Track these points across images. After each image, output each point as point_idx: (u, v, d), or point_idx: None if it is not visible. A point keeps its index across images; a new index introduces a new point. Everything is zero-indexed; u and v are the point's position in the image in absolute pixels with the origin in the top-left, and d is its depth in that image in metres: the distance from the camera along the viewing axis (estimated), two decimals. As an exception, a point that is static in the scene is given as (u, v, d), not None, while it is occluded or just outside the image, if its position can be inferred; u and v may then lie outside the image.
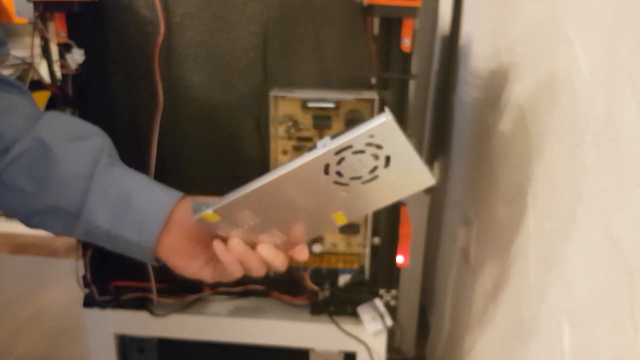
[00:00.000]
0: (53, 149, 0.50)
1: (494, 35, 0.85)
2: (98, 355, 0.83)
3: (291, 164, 0.43)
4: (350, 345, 0.78)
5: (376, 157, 0.42)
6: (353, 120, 0.65)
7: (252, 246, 0.51)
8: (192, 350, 0.83)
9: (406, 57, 0.66)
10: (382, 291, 0.77)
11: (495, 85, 0.80)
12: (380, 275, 0.77)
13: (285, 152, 0.69)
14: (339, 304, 0.78)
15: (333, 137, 0.41)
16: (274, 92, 0.67)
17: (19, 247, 1.88)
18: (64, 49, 0.67)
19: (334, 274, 0.76)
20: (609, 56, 0.45)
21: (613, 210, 0.43)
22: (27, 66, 0.72)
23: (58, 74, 0.70)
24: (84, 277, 0.78)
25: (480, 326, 0.81)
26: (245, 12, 0.67)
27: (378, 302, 0.77)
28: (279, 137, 0.69)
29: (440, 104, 1.15)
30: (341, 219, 0.49)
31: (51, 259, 1.83)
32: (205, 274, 0.54)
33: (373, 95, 0.65)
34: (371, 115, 0.65)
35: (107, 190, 0.51)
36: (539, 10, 0.64)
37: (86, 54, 0.68)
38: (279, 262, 0.51)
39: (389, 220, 0.74)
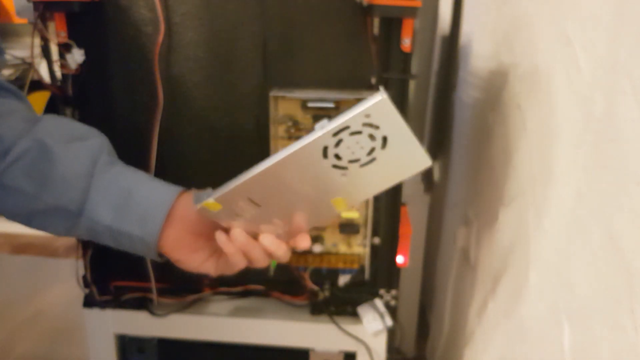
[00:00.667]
0: (53, 150, 0.50)
1: (494, 35, 0.85)
2: (98, 355, 0.83)
3: (290, 148, 0.43)
4: (350, 345, 0.78)
5: (373, 137, 0.42)
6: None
7: (254, 237, 0.51)
8: (192, 350, 0.83)
9: (406, 57, 0.66)
10: (382, 291, 0.77)
11: (495, 85, 0.80)
12: (380, 275, 0.77)
13: (285, 152, 0.69)
14: (339, 304, 0.78)
15: (330, 119, 0.41)
16: (274, 92, 0.67)
17: (19, 247, 1.88)
18: (64, 49, 0.67)
19: (334, 274, 0.76)
20: (609, 56, 0.45)
21: (613, 210, 0.43)
22: (27, 66, 0.72)
23: (58, 74, 0.70)
24: (84, 277, 0.78)
25: (480, 326, 0.81)
26: (245, 12, 0.67)
27: (378, 302, 0.77)
28: (279, 137, 0.69)
29: (440, 104, 1.15)
30: (342, 206, 0.49)
31: (51, 259, 1.82)
32: (209, 267, 0.54)
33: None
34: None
35: (108, 187, 0.52)
36: (539, 10, 0.64)
37: (86, 54, 0.68)
38: (282, 252, 0.52)
39: (389, 220, 0.74)
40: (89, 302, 0.80)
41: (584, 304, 0.48)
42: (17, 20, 0.69)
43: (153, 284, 0.76)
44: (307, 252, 0.74)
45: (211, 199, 0.47)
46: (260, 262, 0.52)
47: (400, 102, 0.68)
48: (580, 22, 0.51)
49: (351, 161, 0.44)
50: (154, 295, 0.77)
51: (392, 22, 0.65)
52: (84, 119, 0.71)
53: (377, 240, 0.74)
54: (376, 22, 0.66)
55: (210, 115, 0.71)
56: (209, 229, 0.52)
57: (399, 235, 0.75)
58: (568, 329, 0.50)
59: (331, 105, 0.66)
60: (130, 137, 0.71)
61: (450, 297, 1.05)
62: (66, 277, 1.63)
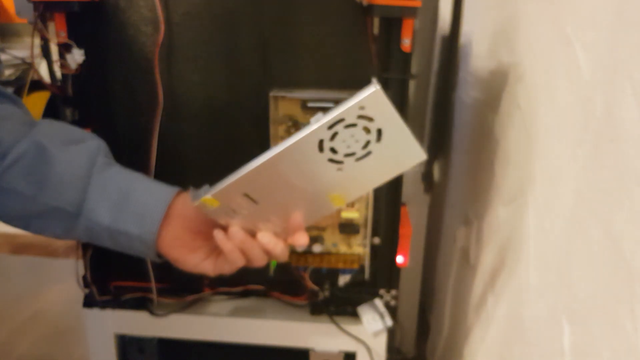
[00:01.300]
0: (50, 152, 0.51)
1: (494, 35, 0.85)
2: (98, 355, 0.83)
3: (286, 142, 0.43)
4: (350, 345, 0.78)
5: (368, 130, 0.43)
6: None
7: (252, 235, 0.51)
8: (192, 350, 0.83)
9: (406, 57, 0.66)
10: (382, 291, 0.77)
11: (495, 85, 0.80)
12: (380, 275, 0.77)
13: (285, 152, 0.69)
14: (339, 304, 0.78)
15: (325, 113, 0.42)
16: (274, 92, 0.67)
17: (19, 247, 1.88)
18: (64, 49, 0.67)
19: (334, 274, 0.76)
20: (609, 56, 0.45)
21: (613, 210, 0.43)
22: (27, 66, 0.72)
23: (58, 74, 0.70)
24: (84, 277, 0.78)
25: (480, 326, 0.81)
26: (245, 12, 0.67)
27: (378, 302, 0.77)
28: (279, 137, 0.69)
29: (440, 104, 1.15)
30: (339, 201, 0.49)
31: (51, 259, 1.83)
32: (207, 267, 0.54)
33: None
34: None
35: (106, 187, 0.52)
36: (539, 10, 0.64)
37: (86, 54, 0.68)
38: (279, 250, 0.52)
39: (389, 220, 0.74)
40: (89, 302, 0.80)
41: (584, 304, 0.48)
42: (17, 20, 0.69)
43: (153, 284, 0.76)
44: (307, 252, 0.74)
45: (209, 195, 0.47)
46: (259, 260, 0.52)
47: (400, 102, 0.68)
48: (580, 22, 0.51)
49: (347, 155, 0.44)
50: (154, 295, 0.77)
51: (392, 22, 0.65)
52: (84, 119, 0.71)
53: (377, 240, 0.74)
54: (376, 22, 0.66)
55: (210, 116, 0.71)
56: (207, 228, 0.52)
57: (399, 235, 0.75)
58: (568, 329, 0.50)
59: (331, 105, 0.66)
60: (130, 137, 0.71)
61: (450, 297, 1.05)
62: (66, 277, 1.63)
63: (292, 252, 0.73)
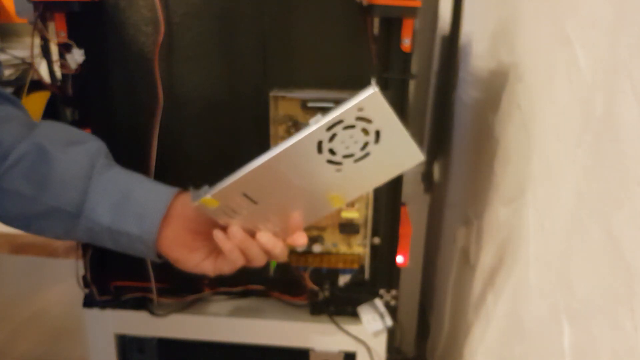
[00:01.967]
0: (51, 153, 0.51)
1: (494, 35, 0.85)
2: (98, 355, 0.83)
3: (285, 143, 0.43)
4: (350, 345, 0.78)
5: (366, 132, 0.43)
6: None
7: (252, 235, 0.51)
8: (192, 350, 0.83)
9: (406, 57, 0.66)
10: (382, 291, 0.77)
11: (495, 85, 0.80)
12: (380, 275, 0.77)
13: (285, 152, 0.69)
14: (339, 304, 0.78)
15: (324, 114, 0.42)
16: (274, 92, 0.67)
17: (19, 247, 1.88)
18: (64, 49, 0.67)
19: (334, 274, 0.76)
20: (609, 56, 0.45)
21: (613, 210, 0.43)
22: (27, 66, 0.72)
23: (58, 74, 0.70)
24: (84, 277, 0.78)
25: (480, 326, 0.81)
26: (245, 12, 0.67)
27: (378, 302, 0.77)
28: (279, 137, 0.69)
29: (440, 104, 1.15)
30: (337, 202, 0.49)
31: (51, 259, 1.82)
32: (207, 267, 0.54)
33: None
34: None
35: (106, 188, 0.52)
36: (539, 10, 0.64)
37: (86, 54, 0.68)
38: (279, 250, 0.52)
39: (389, 220, 0.74)
40: (89, 302, 0.80)
41: (584, 304, 0.48)
42: (17, 20, 0.69)
43: (153, 284, 0.76)
44: (307, 252, 0.74)
45: (208, 196, 0.47)
46: (258, 260, 0.52)
47: (400, 102, 0.68)
48: (580, 22, 0.51)
49: (345, 156, 0.44)
50: (154, 295, 0.77)
51: (392, 22, 0.65)
52: (84, 119, 0.71)
53: (377, 240, 0.74)
54: (376, 22, 0.66)
55: (210, 116, 0.71)
56: (207, 228, 0.52)
57: (399, 235, 0.75)
58: (568, 329, 0.50)
59: (331, 105, 0.66)
60: (130, 137, 0.71)
61: (450, 297, 1.05)
62: (66, 277, 1.63)
63: (292, 252, 0.73)
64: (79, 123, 0.71)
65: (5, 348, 1.39)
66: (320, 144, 0.43)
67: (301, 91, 0.67)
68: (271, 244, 0.51)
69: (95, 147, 0.54)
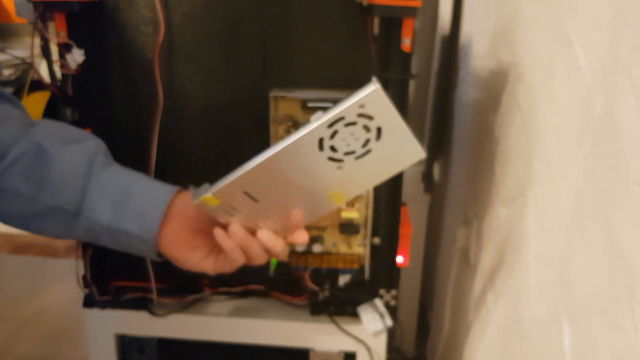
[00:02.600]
0: (49, 151, 0.51)
1: (494, 35, 0.85)
2: (98, 355, 0.83)
3: (286, 140, 0.43)
4: (350, 345, 0.78)
5: (368, 129, 0.43)
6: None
7: (252, 233, 0.51)
8: (192, 350, 0.83)
9: (406, 57, 0.66)
10: (382, 291, 0.77)
11: (495, 85, 0.80)
12: (380, 275, 0.77)
13: (285, 152, 0.69)
14: (339, 304, 0.78)
15: (325, 111, 0.42)
16: (274, 92, 0.67)
17: (19, 247, 1.88)
18: (64, 49, 0.67)
19: (334, 274, 0.76)
20: (609, 56, 0.45)
21: (613, 210, 0.43)
22: (27, 66, 0.72)
23: (58, 74, 0.70)
24: (84, 277, 0.78)
25: (480, 326, 0.81)
26: (245, 12, 0.67)
27: (378, 302, 0.77)
28: (279, 137, 0.69)
29: (440, 104, 1.15)
30: (338, 199, 0.49)
31: (51, 259, 1.83)
32: (207, 265, 0.54)
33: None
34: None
35: (105, 187, 0.52)
36: (539, 10, 0.64)
37: (86, 54, 0.68)
38: (279, 248, 0.52)
39: (389, 220, 0.74)
40: (89, 302, 0.80)
41: (584, 304, 0.48)
42: (17, 20, 0.69)
43: (153, 284, 0.76)
44: (307, 252, 0.74)
45: (209, 194, 0.47)
46: (259, 258, 0.52)
47: (400, 102, 0.68)
48: (580, 22, 0.51)
49: (346, 153, 0.44)
50: (154, 295, 0.77)
51: (392, 22, 0.65)
52: (84, 119, 0.71)
53: (377, 240, 0.74)
54: (376, 22, 0.66)
55: (210, 115, 0.71)
56: (207, 227, 0.52)
57: (399, 235, 0.75)
58: (568, 329, 0.50)
59: (331, 105, 0.66)
60: (130, 137, 0.71)
61: (450, 297, 1.05)
62: (66, 277, 1.64)
63: (292, 252, 0.73)
64: (79, 123, 0.71)
65: (5, 348, 1.40)
66: (321, 141, 0.43)
67: (301, 91, 0.67)
68: (272, 242, 0.51)
69: (94, 146, 0.54)
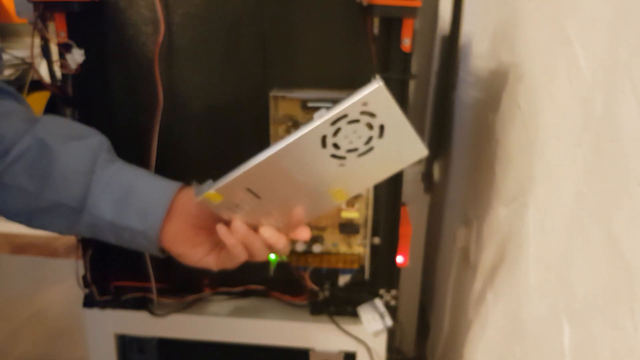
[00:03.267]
0: (53, 148, 0.51)
1: (494, 35, 0.85)
2: (98, 355, 0.83)
3: (289, 137, 0.43)
4: (350, 345, 0.78)
5: (370, 126, 0.43)
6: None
7: (255, 229, 0.51)
8: (192, 350, 0.83)
9: (406, 57, 0.66)
10: (382, 291, 0.77)
11: (495, 85, 0.80)
12: (380, 275, 0.77)
13: (285, 152, 0.69)
14: (339, 304, 0.78)
15: (328, 109, 0.42)
16: (274, 92, 0.67)
17: (19, 247, 1.88)
18: (64, 49, 0.67)
19: (334, 274, 0.76)
20: (609, 56, 0.45)
21: (613, 210, 0.43)
22: (27, 66, 0.72)
23: (58, 74, 0.70)
24: (84, 277, 0.78)
25: (480, 326, 0.81)
26: (245, 12, 0.67)
27: (378, 302, 0.77)
28: (278, 137, 0.69)
29: (440, 104, 1.15)
30: (340, 196, 0.49)
31: (51, 259, 1.83)
32: (210, 261, 0.54)
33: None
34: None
35: (109, 183, 0.52)
36: (539, 10, 0.64)
37: (86, 54, 0.68)
38: (281, 244, 0.52)
39: (389, 220, 0.74)
40: (89, 302, 0.80)
41: (584, 304, 0.48)
42: (17, 20, 0.69)
43: (153, 284, 0.76)
44: (307, 252, 0.74)
45: (212, 190, 0.47)
46: (261, 254, 0.52)
47: (400, 102, 0.67)
48: (580, 22, 0.51)
49: (349, 151, 0.45)
50: (154, 295, 0.77)
51: (392, 22, 0.65)
52: (84, 119, 0.71)
53: (377, 240, 0.74)
54: (376, 22, 0.66)
55: (210, 115, 0.71)
56: (210, 223, 0.52)
57: (399, 235, 0.75)
58: (568, 329, 0.50)
59: (331, 105, 0.66)
60: (130, 136, 0.71)
61: (450, 297, 1.05)
62: (66, 277, 1.63)
63: (292, 252, 0.73)
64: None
65: (5, 348, 1.39)
66: (324, 138, 0.43)
67: (301, 91, 0.67)
68: (274, 238, 0.51)
69: (97, 142, 0.54)
